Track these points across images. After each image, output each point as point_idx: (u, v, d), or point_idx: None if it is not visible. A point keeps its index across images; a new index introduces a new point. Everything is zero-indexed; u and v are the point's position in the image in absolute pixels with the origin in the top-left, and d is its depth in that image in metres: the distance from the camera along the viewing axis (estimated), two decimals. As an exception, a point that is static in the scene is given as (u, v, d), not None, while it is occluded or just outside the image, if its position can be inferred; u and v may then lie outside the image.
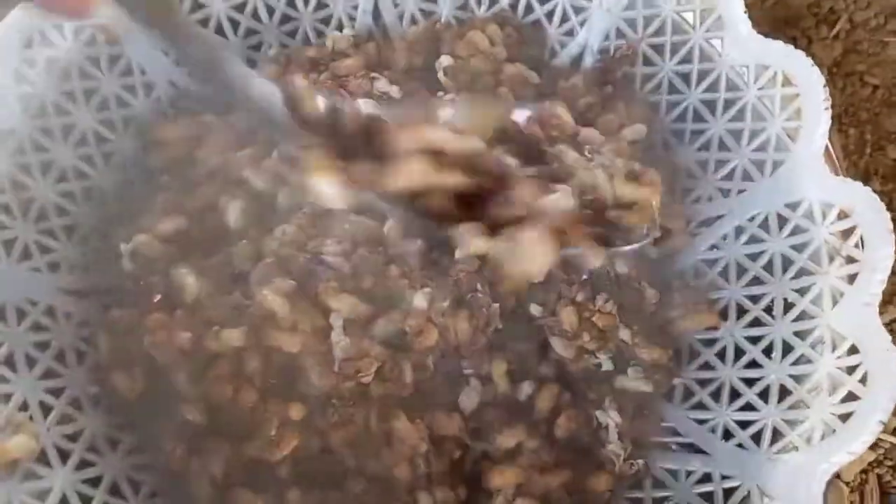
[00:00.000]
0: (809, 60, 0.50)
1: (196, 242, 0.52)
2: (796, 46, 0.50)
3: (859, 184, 0.47)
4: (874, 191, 0.47)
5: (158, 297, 0.48)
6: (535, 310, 0.50)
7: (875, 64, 0.87)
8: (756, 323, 0.50)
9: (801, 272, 0.48)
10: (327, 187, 0.36)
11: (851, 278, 0.46)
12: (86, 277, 0.52)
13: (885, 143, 0.82)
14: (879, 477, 0.69)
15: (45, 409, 0.45)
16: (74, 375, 0.48)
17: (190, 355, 0.46)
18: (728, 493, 0.46)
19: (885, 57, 0.87)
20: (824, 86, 0.49)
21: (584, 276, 0.50)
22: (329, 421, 0.46)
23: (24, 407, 0.44)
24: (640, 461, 0.49)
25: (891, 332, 0.43)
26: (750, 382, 0.48)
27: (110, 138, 0.56)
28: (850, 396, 0.43)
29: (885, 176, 0.80)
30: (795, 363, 0.47)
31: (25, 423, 0.43)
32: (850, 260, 0.46)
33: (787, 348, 0.48)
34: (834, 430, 0.42)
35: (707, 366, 0.51)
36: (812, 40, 0.87)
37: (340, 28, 0.62)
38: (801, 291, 0.48)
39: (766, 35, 0.51)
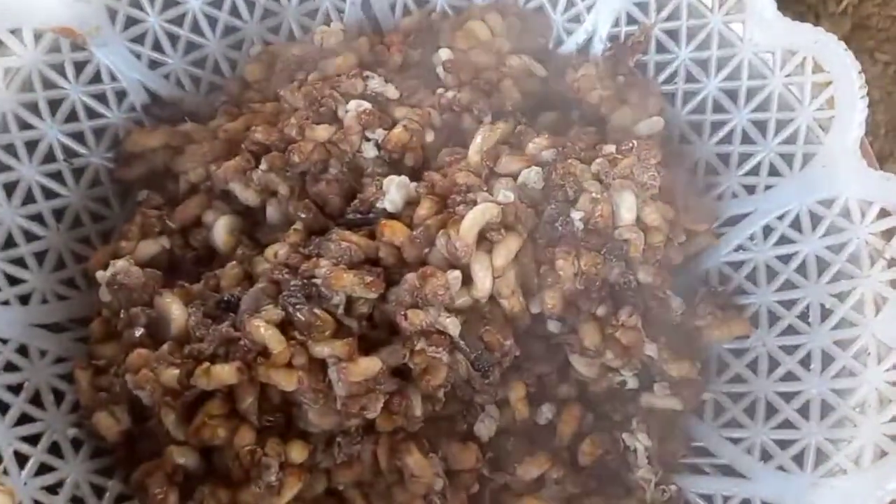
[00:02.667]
0: (842, 44, 0.46)
1: (179, 265, 0.48)
2: (803, 22, 0.47)
3: (902, 179, 0.43)
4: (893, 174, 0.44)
5: (141, 330, 0.44)
6: (553, 326, 0.46)
7: (885, 39, 0.83)
8: (790, 331, 0.47)
9: (840, 275, 0.45)
10: None
11: (896, 283, 0.42)
12: (60, 309, 0.47)
13: (901, 124, 0.79)
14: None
15: (21, 460, 0.41)
16: (52, 418, 0.44)
17: (178, 394, 0.42)
18: (770, 521, 0.42)
19: (895, 32, 0.83)
20: (860, 72, 0.45)
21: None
22: (334, 460, 0.42)
23: (-4, 459, 0.40)
24: (673, 486, 0.45)
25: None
26: (787, 397, 0.45)
27: (81, 152, 0.51)
28: (903, 414, 0.39)
29: (903, 158, 0.77)
30: (837, 376, 0.43)
31: (-1, 478, 0.39)
32: (894, 262, 0.43)
33: (828, 359, 0.44)
34: (885, 453, 0.39)
35: (738, 378, 0.48)
36: (820, 16, 0.83)
37: (328, 22, 0.57)
38: (841, 297, 0.44)
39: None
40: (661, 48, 0.54)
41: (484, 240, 0.44)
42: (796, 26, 0.47)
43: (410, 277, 0.43)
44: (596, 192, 0.46)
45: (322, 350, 0.41)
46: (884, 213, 0.44)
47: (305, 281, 0.43)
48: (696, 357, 0.48)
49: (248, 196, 0.49)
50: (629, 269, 0.47)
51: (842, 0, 0.84)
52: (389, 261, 0.45)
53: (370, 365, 0.41)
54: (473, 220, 0.43)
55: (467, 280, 0.44)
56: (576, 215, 0.46)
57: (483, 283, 0.43)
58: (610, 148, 0.48)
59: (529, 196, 0.47)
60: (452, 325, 0.43)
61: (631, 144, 0.47)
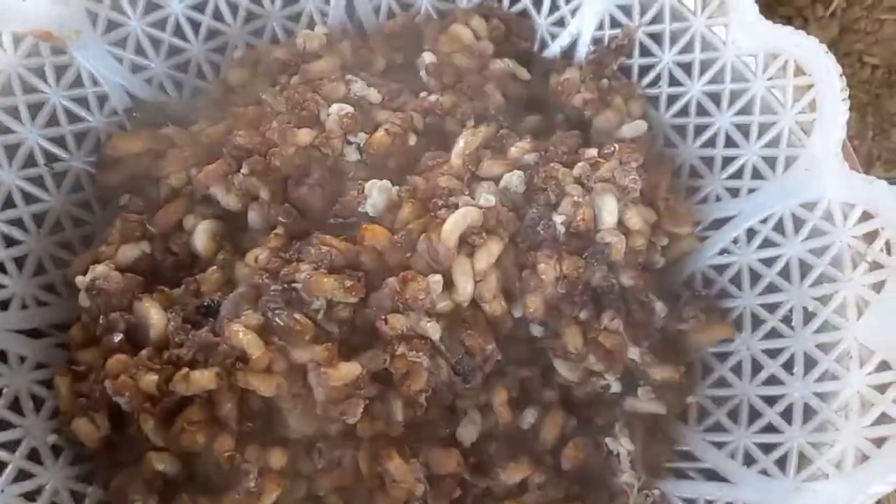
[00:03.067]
0: (824, 47, 0.46)
1: (160, 270, 0.47)
2: (791, 26, 0.47)
3: (883, 182, 0.43)
4: (877, 178, 0.44)
5: (120, 336, 0.43)
6: (536, 331, 0.46)
7: (873, 43, 0.83)
8: (774, 334, 0.46)
9: (822, 279, 0.45)
10: None
11: (878, 286, 0.42)
12: (40, 315, 0.47)
13: (888, 127, 0.79)
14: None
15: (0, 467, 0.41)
16: (31, 425, 0.44)
17: (158, 400, 0.41)
18: (753, 524, 0.42)
19: (883, 35, 0.83)
20: (841, 75, 0.45)
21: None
22: (315, 466, 0.42)
23: (-27, 467, 0.40)
24: (656, 491, 0.45)
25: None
26: (771, 401, 0.45)
27: (62, 156, 0.51)
28: (884, 418, 0.39)
29: (888, 161, 0.77)
30: (820, 379, 0.43)
31: (-25, 486, 0.39)
32: (876, 266, 0.42)
33: (811, 363, 0.44)
34: (867, 457, 0.39)
35: (722, 382, 0.48)
36: (808, 20, 0.84)
37: (311, 25, 0.57)
38: (823, 300, 0.44)
39: (761, 14, 0.48)
40: (644, 51, 0.54)
41: (465, 244, 0.44)
42: (778, 29, 0.47)
43: (391, 282, 0.43)
44: (578, 195, 0.45)
45: (302, 355, 0.41)
46: (866, 216, 0.43)
47: (286, 286, 0.42)
48: (680, 361, 0.48)
49: (229, 201, 0.48)
50: (611, 273, 0.46)
51: (830, 4, 0.84)
52: (370, 265, 0.45)
53: (350, 370, 0.41)
54: (455, 224, 0.43)
55: (449, 284, 0.43)
56: (558, 219, 0.45)
57: (464, 287, 0.43)
58: (592, 151, 0.48)
59: (511, 200, 0.47)
60: (433, 330, 0.42)
61: (613, 148, 0.47)
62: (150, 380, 0.41)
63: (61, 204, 0.50)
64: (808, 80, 0.46)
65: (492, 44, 0.55)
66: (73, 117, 0.51)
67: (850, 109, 0.78)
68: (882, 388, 0.40)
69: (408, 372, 0.42)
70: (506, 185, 0.46)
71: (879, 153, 0.77)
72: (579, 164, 0.46)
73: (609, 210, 0.45)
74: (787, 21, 0.84)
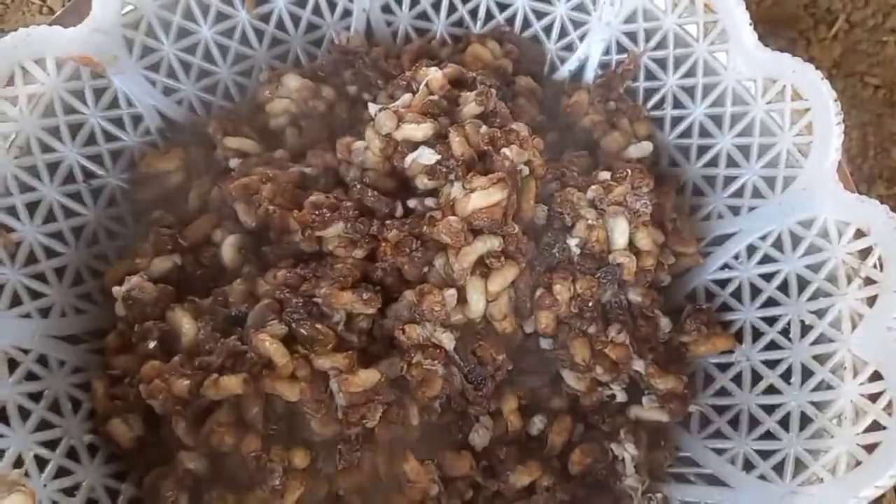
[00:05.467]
0: (819, 74, 0.48)
1: (190, 281, 0.50)
2: (795, 48, 0.49)
3: (875, 202, 0.45)
4: (879, 195, 0.46)
5: (154, 343, 0.46)
6: (545, 343, 0.48)
7: (875, 64, 0.85)
8: (773, 346, 0.49)
9: (819, 293, 0.47)
10: None
11: (871, 301, 0.44)
12: (78, 322, 0.50)
13: (889, 146, 0.81)
14: (897, 489, 0.68)
15: (41, 463, 0.44)
16: (70, 425, 0.46)
17: (189, 403, 0.44)
18: (751, 527, 0.44)
19: (885, 56, 0.85)
20: (835, 100, 0.47)
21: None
22: (335, 467, 0.44)
23: (18, 462, 0.43)
24: (659, 495, 0.47)
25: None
26: (769, 409, 0.47)
27: (99, 173, 0.54)
28: (875, 425, 0.41)
29: (889, 179, 0.79)
30: (816, 389, 0.45)
31: (21, 480, 0.41)
32: (870, 281, 0.45)
33: (807, 373, 0.46)
34: (859, 462, 0.41)
35: (723, 392, 0.50)
36: (811, 41, 0.86)
37: (331, 49, 0.60)
38: (819, 313, 0.47)
39: (765, 36, 0.50)
40: (649, 75, 0.56)
41: (482, 264, 0.46)
42: (776, 56, 0.49)
43: (409, 294, 0.45)
44: (592, 219, 0.48)
45: (324, 363, 0.43)
46: (860, 234, 0.46)
47: (306, 299, 0.45)
48: (682, 371, 0.50)
49: (247, 218, 0.51)
50: (621, 291, 0.49)
51: (832, 26, 0.87)
52: (389, 280, 0.47)
53: (369, 376, 0.43)
54: (473, 247, 0.46)
55: (463, 299, 0.46)
56: (572, 241, 0.48)
57: (476, 305, 0.46)
58: (605, 175, 0.51)
59: (532, 228, 0.49)
60: (447, 340, 0.45)
61: (625, 172, 0.49)
62: (182, 384, 0.44)
63: (97, 218, 0.53)
64: (805, 104, 0.49)
65: (510, 63, 0.58)
66: (109, 137, 0.54)
67: (854, 128, 0.82)
68: (874, 398, 0.42)
69: (423, 379, 0.44)
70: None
71: (881, 171, 0.79)
72: (593, 188, 0.49)
73: (621, 232, 0.48)
74: (792, 42, 0.86)
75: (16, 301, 0.47)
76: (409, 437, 0.45)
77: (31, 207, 0.50)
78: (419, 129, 0.49)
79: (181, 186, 0.54)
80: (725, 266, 0.52)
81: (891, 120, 0.82)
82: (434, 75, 0.51)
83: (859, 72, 0.85)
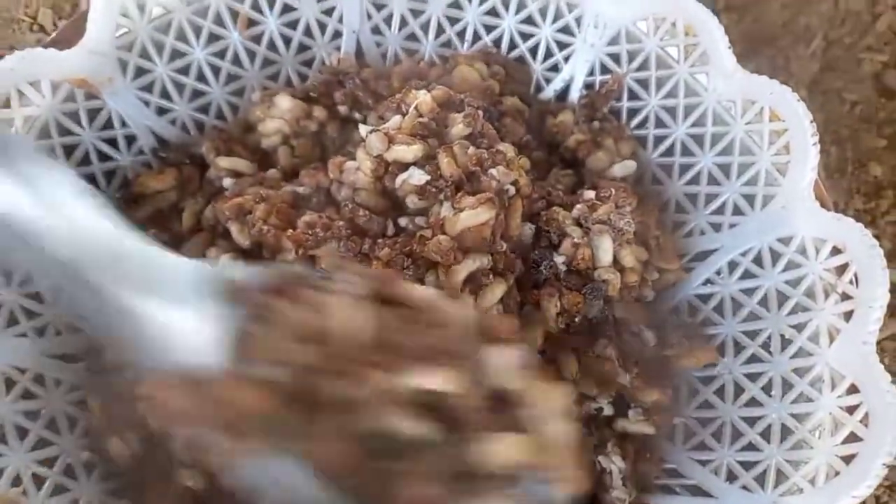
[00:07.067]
0: (796, 96, 0.50)
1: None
2: (774, 65, 0.51)
3: (851, 220, 0.47)
4: (857, 209, 0.47)
5: (151, 360, 0.47)
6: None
7: (852, 80, 0.88)
8: (754, 359, 0.50)
9: (797, 308, 0.49)
10: None
11: (848, 315, 0.46)
12: (74, 341, 0.50)
13: (867, 161, 0.83)
14: (877, 498, 0.69)
15: (39, 481, 0.44)
16: (67, 443, 0.47)
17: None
18: (735, 537, 0.46)
19: (862, 73, 0.88)
20: (811, 121, 0.49)
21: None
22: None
23: (16, 481, 0.43)
24: (645, 506, 0.49)
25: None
26: (751, 421, 0.49)
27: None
28: (853, 437, 0.43)
29: (867, 194, 0.81)
30: (796, 401, 0.47)
31: (19, 499, 0.42)
32: (846, 297, 0.46)
33: (787, 386, 0.48)
34: (838, 473, 0.43)
35: (707, 404, 0.51)
36: (789, 58, 0.88)
37: (321, 70, 0.62)
38: (798, 328, 0.48)
39: (745, 54, 0.52)
40: (632, 95, 0.58)
41: (472, 281, 0.47)
42: (754, 78, 0.51)
43: None
44: (577, 237, 0.49)
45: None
46: (836, 251, 0.47)
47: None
48: (667, 385, 0.52)
49: (241, 238, 0.51)
50: (607, 306, 0.50)
51: (811, 43, 0.89)
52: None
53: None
54: (463, 265, 0.47)
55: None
56: (559, 259, 0.49)
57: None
58: (590, 194, 0.52)
59: (520, 245, 0.51)
60: None
61: (609, 192, 0.51)
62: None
63: (92, 237, 0.54)
64: (783, 125, 0.50)
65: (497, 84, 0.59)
66: (103, 157, 0.55)
67: (831, 144, 0.84)
68: (851, 410, 0.44)
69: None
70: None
71: (859, 186, 0.81)
72: (578, 206, 0.50)
73: (605, 249, 0.49)
74: (770, 59, 0.88)
75: (12, 321, 0.48)
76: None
77: (27, 227, 0.51)
78: (409, 151, 0.50)
79: (174, 205, 0.55)
80: (708, 281, 0.54)
81: (868, 136, 0.84)
82: (423, 98, 0.52)
83: (837, 88, 0.87)
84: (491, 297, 0.47)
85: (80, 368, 0.50)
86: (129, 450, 0.46)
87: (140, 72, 0.56)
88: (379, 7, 0.61)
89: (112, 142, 0.56)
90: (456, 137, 0.51)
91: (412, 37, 0.62)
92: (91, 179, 0.54)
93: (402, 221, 0.51)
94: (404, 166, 0.50)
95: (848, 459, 0.42)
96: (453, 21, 0.61)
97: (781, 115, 0.50)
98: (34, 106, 0.51)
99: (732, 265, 0.53)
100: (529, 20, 0.60)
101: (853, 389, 0.44)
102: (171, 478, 0.45)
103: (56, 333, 0.50)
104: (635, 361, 0.50)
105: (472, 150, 0.50)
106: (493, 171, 0.49)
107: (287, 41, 0.60)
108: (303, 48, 0.61)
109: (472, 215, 0.47)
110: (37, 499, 0.43)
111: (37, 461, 0.45)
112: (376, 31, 0.62)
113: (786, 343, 0.49)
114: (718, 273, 0.53)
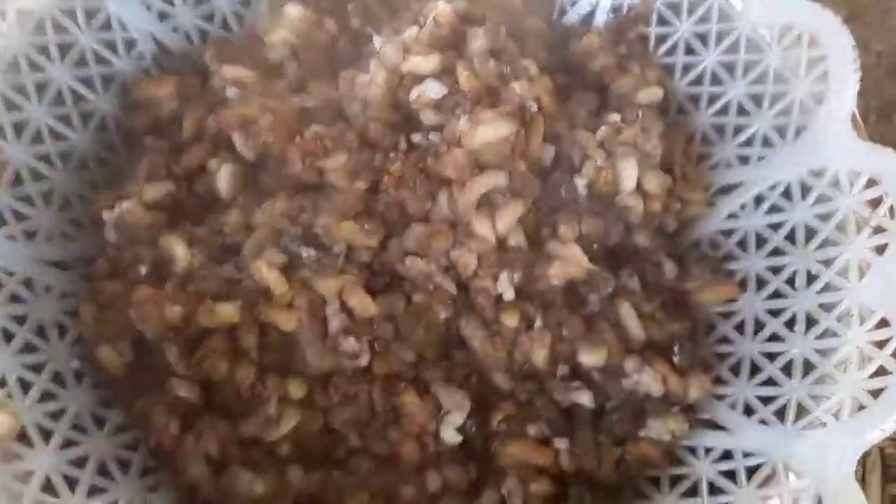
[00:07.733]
0: (839, 19, 0.47)
1: (184, 209, 0.48)
2: None
3: (889, 150, 0.44)
4: None
5: (146, 268, 0.44)
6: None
7: (879, 30, 0.85)
8: (777, 295, 0.48)
9: (826, 242, 0.46)
10: None
11: (880, 249, 0.44)
12: (66, 247, 0.48)
13: (890, 112, 0.80)
14: (882, 450, 0.68)
15: (25, 386, 0.42)
16: (56, 350, 0.45)
17: (181, 330, 0.42)
18: (751, 470, 0.44)
19: (890, 24, 0.85)
20: (854, 47, 0.46)
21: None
22: (331, 400, 0.43)
23: (2, 384, 0.41)
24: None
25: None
26: (772, 357, 0.46)
27: (89, 97, 0.52)
28: (881, 371, 0.41)
29: (889, 144, 0.78)
30: (821, 337, 0.45)
31: (4, 400, 0.40)
32: (879, 230, 0.44)
33: (812, 321, 0.46)
34: (864, 406, 0.41)
35: (725, 339, 0.49)
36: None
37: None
38: (826, 263, 0.46)
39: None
40: (662, 21, 0.55)
41: (486, 202, 0.45)
42: (794, 2, 0.48)
43: (417, 229, 0.44)
44: (601, 159, 0.47)
45: (328, 284, 0.42)
46: (871, 183, 0.45)
47: (305, 229, 0.44)
48: (686, 318, 0.49)
49: (245, 149, 0.49)
50: (627, 234, 0.48)
51: (839, -8, 0.86)
52: (390, 215, 0.46)
53: (368, 303, 0.42)
54: (479, 182, 0.44)
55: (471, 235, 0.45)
56: (580, 182, 0.47)
57: (488, 240, 0.45)
58: (615, 116, 0.49)
59: (539, 168, 0.48)
60: (448, 285, 0.44)
61: (636, 115, 0.48)
62: (175, 310, 0.42)
63: (87, 144, 0.51)
64: (822, 51, 0.48)
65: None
66: (100, 60, 0.52)
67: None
68: (881, 344, 0.42)
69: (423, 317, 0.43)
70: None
71: (882, 136, 0.78)
72: (602, 129, 0.48)
73: (629, 173, 0.47)
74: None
75: (1, 222, 0.46)
76: (407, 373, 0.44)
77: (18, 128, 0.48)
78: (426, 62, 0.47)
79: (175, 114, 0.52)
80: (731, 215, 0.51)
81: (891, 87, 0.82)
82: (443, 8, 0.49)
83: (864, 38, 0.84)
84: (509, 216, 0.45)
85: (72, 276, 0.48)
86: (121, 359, 0.44)
87: (141, -29, 0.53)
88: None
89: (111, 45, 0.53)
90: (476, 51, 0.49)
91: (430, -50, 0.59)
92: (88, 82, 0.51)
93: (416, 138, 0.48)
94: (420, 79, 0.48)
95: (876, 393, 0.40)
96: (475, -65, 0.58)
97: (821, 41, 0.47)
98: (28, -1, 0.48)
99: (759, 199, 0.50)
100: (555, -61, 0.56)
101: (883, 324, 0.42)
102: (163, 388, 0.43)
103: (47, 239, 0.48)
104: (656, 293, 0.48)
105: (492, 63, 0.47)
106: (514, 84, 0.46)
107: (298, -51, 0.57)
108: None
109: (492, 128, 0.45)
110: (23, 403, 0.41)
111: (23, 365, 0.43)
112: (393, -58, 0.58)
113: (812, 278, 0.46)
114: (743, 207, 0.51)
